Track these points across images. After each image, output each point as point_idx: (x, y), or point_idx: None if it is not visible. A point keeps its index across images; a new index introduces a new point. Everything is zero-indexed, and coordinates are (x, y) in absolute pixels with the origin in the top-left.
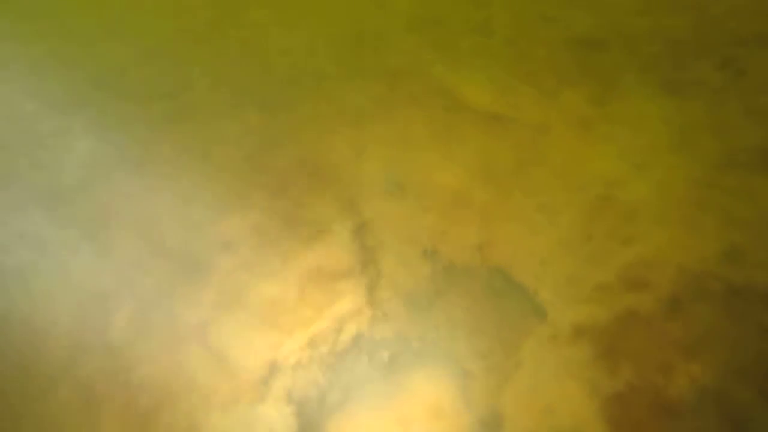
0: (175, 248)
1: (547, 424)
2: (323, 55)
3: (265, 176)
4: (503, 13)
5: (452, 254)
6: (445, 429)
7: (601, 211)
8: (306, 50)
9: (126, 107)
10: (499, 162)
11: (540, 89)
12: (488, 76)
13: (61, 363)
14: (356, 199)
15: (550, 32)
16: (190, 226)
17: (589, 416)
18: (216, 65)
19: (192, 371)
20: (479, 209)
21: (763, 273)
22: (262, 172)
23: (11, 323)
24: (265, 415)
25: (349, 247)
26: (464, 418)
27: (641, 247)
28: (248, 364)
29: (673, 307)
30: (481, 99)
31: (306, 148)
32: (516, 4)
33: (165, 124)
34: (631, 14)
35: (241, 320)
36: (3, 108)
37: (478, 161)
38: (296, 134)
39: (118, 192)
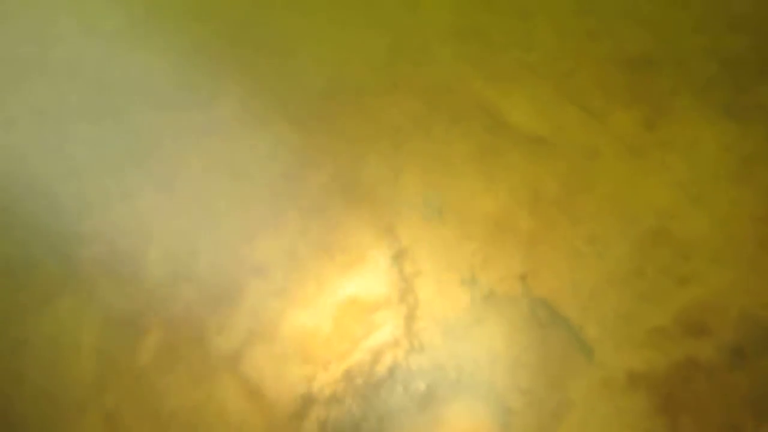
0: (205, 272)
1: None
2: (359, 67)
3: (299, 196)
4: (547, 27)
5: (493, 283)
6: None
7: (654, 245)
8: (341, 62)
9: (150, 119)
10: (544, 188)
11: (587, 110)
12: (531, 94)
13: (87, 390)
14: (394, 223)
15: (597, 48)
16: (220, 249)
17: None
18: (246, 75)
19: (223, 403)
20: (523, 237)
21: None
22: (296, 192)
23: (35, 347)
24: None
25: (387, 276)
26: None
27: (699, 288)
28: (281, 397)
29: (736, 358)
30: (525, 119)
31: (342, 166)
32: (560, 17)
33: (192, 138)
34: (686, 32)
35: (274, 351)
36: None
37: (522, 186)
38: (332, 151)
39: (143, 210)
